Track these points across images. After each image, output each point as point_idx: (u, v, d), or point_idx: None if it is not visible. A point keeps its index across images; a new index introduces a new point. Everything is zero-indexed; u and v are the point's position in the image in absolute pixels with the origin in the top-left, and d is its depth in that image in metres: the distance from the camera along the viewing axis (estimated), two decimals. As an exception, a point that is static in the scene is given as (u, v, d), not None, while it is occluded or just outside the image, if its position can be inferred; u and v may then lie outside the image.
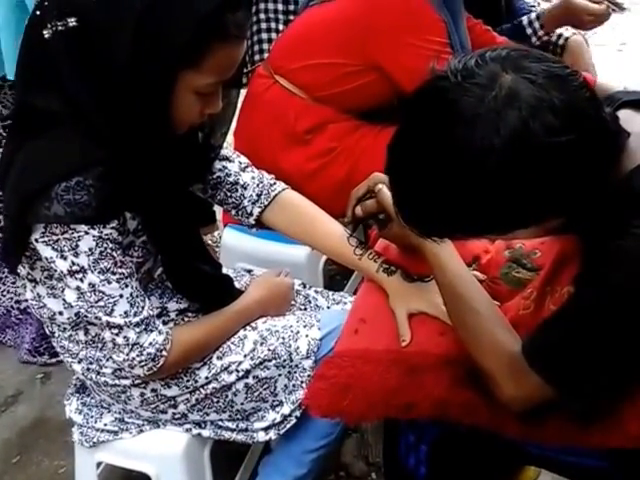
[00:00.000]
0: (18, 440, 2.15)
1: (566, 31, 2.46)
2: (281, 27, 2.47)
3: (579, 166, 0.95)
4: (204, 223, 2.63)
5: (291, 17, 2.45)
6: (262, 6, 2.47)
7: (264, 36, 2.51)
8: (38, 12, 1.19)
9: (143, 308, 1.30)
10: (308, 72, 1.99)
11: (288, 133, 2.02)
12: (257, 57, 2.49)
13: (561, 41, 2.44)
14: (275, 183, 1.58)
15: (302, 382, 1.46)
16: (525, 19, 2.36)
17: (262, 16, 2.49)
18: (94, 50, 1.15)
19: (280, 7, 2.47)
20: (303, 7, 2.17)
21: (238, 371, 1.44)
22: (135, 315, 1.28)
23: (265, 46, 2.50)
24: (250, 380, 1.45)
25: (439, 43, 1.88)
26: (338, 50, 1.94)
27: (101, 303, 1.26)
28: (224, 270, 1.56)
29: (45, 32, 1.17)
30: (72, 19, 1.16)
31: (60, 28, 1.16)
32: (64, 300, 1.31)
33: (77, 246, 1.20)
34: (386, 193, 1.36)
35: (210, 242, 2.76)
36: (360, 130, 2.03)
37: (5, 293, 2.32)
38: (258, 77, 2.12)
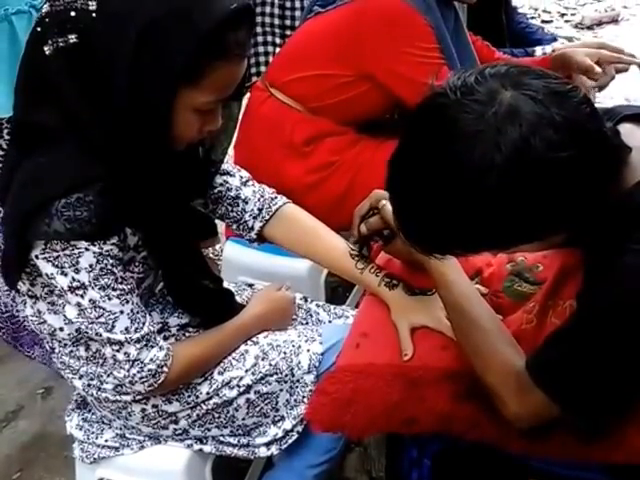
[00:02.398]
0: (19, 456, 2.15)
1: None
2: (278, 40, 2.49)
3: (580, 181, 0.95)
4: (205, 237, 2.63)
5: (287, 32, 2.47)
6: (259, 19, 2.49)
7: (260, 49, 2.53)
8: (39, 28, 1.19)
9: (144, 324, 1.30)
10: (302, 84, 2.00)
11: (286, 145, 2.02)
12: (254, 70, 2.51)
13: None
14: (276, 197, 1.58)
15: (304, 397, 1.45)
16: (539, 51, 2.32)
17: (259, 29, 2.50)
18: (94, 66, 1.15)
19: (276, 22, 2.49)
20: (301, 22, 2.18)
21: (239, 386, 1.44)
22: (136, 331, 1.28)
23: (262, 59, 2.51)
24: (251, 395, 1.45)
25: (430, 49, 1.89)
26: (330, 61, 1.96)
27: (102, 319, 1.25)
28: (225, 284, 1.56)
29: (45, 48, 1.17)
30: (72, 35, 1.16)
31: (61, 44, 1.16)
32: (64, 316, 1.31)
33: (77, 262, 1.20)
34: (390, 209, 1.36)
35: (212, 256, 2.76)
36: (359, 144, 2.04)
37: None
38: (255, 90, 2.14)
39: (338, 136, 2.03)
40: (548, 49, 2.32)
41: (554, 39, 2.58)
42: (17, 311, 2.17)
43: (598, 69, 1.99)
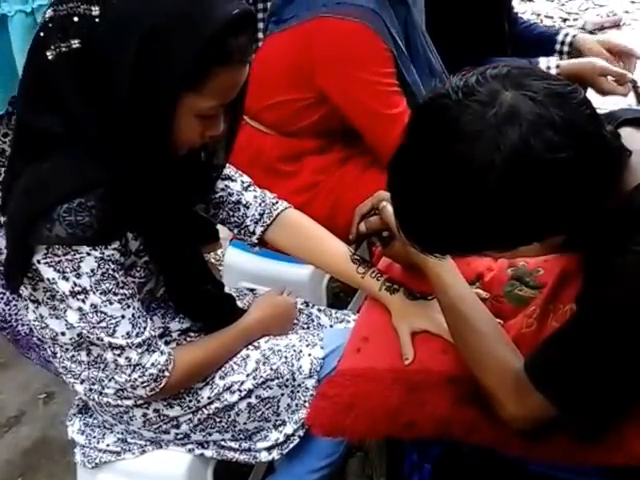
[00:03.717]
0: (21, 461, 2.15)
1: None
2: None
3: (579, 183, 0.96)
4: (207, 242, 2.63)
5: None
6: (261, 26, 2.48)
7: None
8: (42, 34, 1.19)
9: (145, 329, 1.30)
10: (272, 111, 1.97)
11: (268, 169, 1.98)
12: None
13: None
14: (277, 202, 1.58)
15: (305, 401, 1.45)
16: (543, 62, 2.31)
17: (261, 35, 2.49)
18: (96, 72, 1.16)
19: None
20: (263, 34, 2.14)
21: (240, 391, 1.44)
22: (137, 336, 1.28)
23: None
24: (253, 400, 1.45)
25: (386, 74, 1.85)
26: (291, 86, 1.92)
27: (103, 324, 1.26)
28: (226, 289, 1.56)
29: (48, 53, 1.17)
30: (75, 41, 1.16)
31: (63, 49, 1.17)
32: (66, 321, 1.31)
33: (79, 267, 1.20)
34: (390, 210, 1.36)
35: (213, 260, 2.76)
36: (345, 166, 2.01)
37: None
38: None
39: (324, 154, 2.00)
40: (552, 62, 2.30)
41: (556, 33, 2.55)
42: (9, 316, 2.17)
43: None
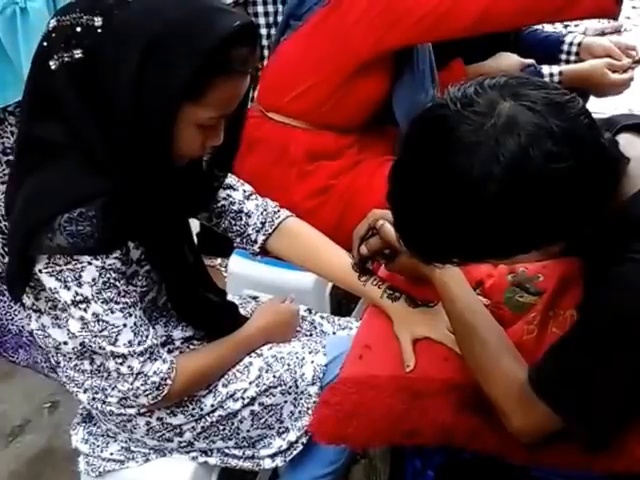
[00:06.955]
0: (25, 470, 2.16)
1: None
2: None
3: (578, 192, 0.96)
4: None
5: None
6: (263, 22, 2.48)
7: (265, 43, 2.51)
8: (45, 43, 1.20)
9: (147, 337, 1.30)
10: (299, 100, 1.99)
11: (290, 165, 2.00)
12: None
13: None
14: (279, 211, 1.59)
15: (308, 408, 1.45)
16: (546, 70, 2.31)
17: (262, 21, 2.49)
18: (98, 82, 1.16)
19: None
20: (277, 40, 2.15)
21: (244, 398, 1.45)
22: (139, 344, 1.29)
23: (265, 53, 2.48)
24: (256, 407, 1.45)
25: None
26: (317, 68, 1.95)
27: (105, 333, 1.26)
28: (229, 297, 1.57)
29: (51, 63, 1.18)
30: (78, 51, 1.17)
31: (66, 59, 1.18)
32: (68, 330, 1.31)
33: (80, 277, 1.21)
34: (388, 228, 1.37)
35: (219, 267, 2.76)
36: (356, 169, 2.02)
37: (17, 313, 2.30)
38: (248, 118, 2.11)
39: (339, 159, 2.02)
40: (555, 69, 2.31)
41: (564, 34, 2.56)
42: (1, 315, 2.17)
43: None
